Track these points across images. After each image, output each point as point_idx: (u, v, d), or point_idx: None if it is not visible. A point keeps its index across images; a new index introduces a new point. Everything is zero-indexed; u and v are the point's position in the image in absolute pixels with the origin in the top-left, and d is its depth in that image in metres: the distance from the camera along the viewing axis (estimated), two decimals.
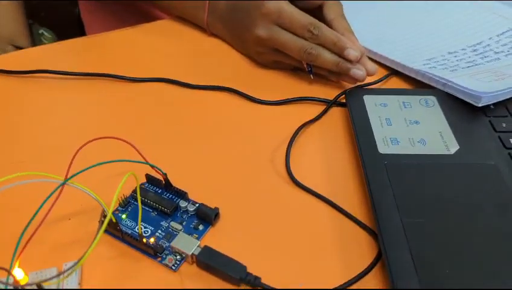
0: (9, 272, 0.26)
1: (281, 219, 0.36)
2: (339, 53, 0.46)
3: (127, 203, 0.36)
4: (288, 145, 0.41)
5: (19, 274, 0.28)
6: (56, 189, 0.30)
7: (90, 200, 0.31)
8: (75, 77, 0.50)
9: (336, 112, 0.46)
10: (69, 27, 0.84)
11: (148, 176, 0.37)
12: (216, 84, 0.48)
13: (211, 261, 0.31)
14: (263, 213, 0.36)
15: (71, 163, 0.32)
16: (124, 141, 0.33)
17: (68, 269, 0.27)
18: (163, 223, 0.35)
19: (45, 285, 0.29)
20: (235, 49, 0.54)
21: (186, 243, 0.32)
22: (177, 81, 0.49)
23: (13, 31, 0.74)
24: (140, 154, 0.34)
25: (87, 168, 0.31)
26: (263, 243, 0.34)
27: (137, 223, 0.35)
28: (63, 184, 0.30)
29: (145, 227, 0.34)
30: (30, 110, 0.46)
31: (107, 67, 0.50)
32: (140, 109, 0.46)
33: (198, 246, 0.32)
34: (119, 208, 0.36)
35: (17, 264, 0.28)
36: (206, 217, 0.35)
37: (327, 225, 0.35)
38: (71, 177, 0.30)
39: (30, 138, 0.43)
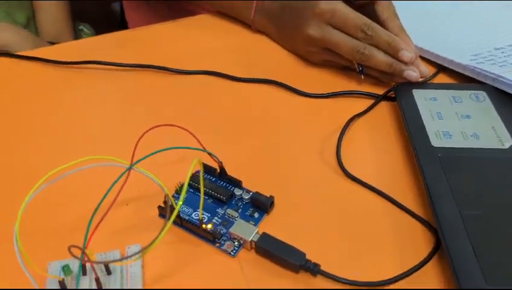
0: (83, 251, 0.27)
1: (334, 209, 0.36)
2: (393, 54, 0.45)
3: (174, 201, 0.37)
4: (339, 137, 0.41)
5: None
6: (123, 173, 0.30)
7: (147, 186, 0.32)
8: (122, 68, 0.51)
9: (384, 107, 0.46)
10: (108, 23, 0.86)
11: (204, 165, 0.38)
12: (262, 77, 0.49)
13: (270, 248, 0.32)
14: (316, 203, 0.36)
15: (135, 148, 0.32)
16: (184, 128, 0.34)
17: (138, 252, 0.28)
18: (219, 210, 0.35)
19: (112, 265, 0.30)
20: (280, 46, 0.55)
21: (245, 230, 0.33)
22: (223, 74, 0.50)
23: (59, 30, 0.76)
24: (198, 141, 0.34)
25: (154, 153, 0.31)
26: (318, 232, 0.34)
27: (193, 209, 0.35)
28: (129, 168, 0.31)
29: (203, 214, 0.35)
30: (80, 100, 0.47)
31: (152, 59, 0.51)
32: (187, 100, 0.47)
33: (256, 233, 0.33)
34: (175, 194, 0.36)
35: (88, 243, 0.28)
36: (262, 205, 0.35)
37: (381, 217, 0.35)
38: (137, 162, 0.31)
39: (85, 127, 0.44)
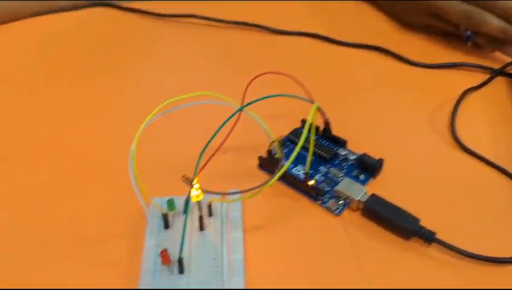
0: (191, 184, 0.26)
1: (447, 180, 0.33)
2: (508, 19, 0.42)
3: (283, 144, 0.35)
4: (454, 108, 0.38)
5: (195, 192, 0.28)
6: (235, 113, 0.29)
7: (247, 136, 0.32)
8: (219, 24, 0.50)
9: (501, 82, 0.42)
10: None
11: (304, 121, 0.36)
12: (365, 43, 0.46)
13: (380, 210, 0.29)
14: (428, 172, 0.34)
15: (245, 91, 0.31)
16: (292, 77, 0.32)
17: (239, 192, 0.27)
18: (322, 168, 0.34)
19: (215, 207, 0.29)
20: (380, 9, 0.52)
21: (353, 188, 0.31)
22: (323, 36, 0.47)
23: None
24: (306, 92, 0.32)
25: (264, 98, 0.30)
26: (430, 202, 0.32)
27: (293, 164, 0.34)
28: (241, 109, 0.30)
29: (303, 170, 0.33)
30: (175, 51, 0.47)
31: (249, 16, 0.50)
32: (284, 61, 0.45)
33: (365, 193, 0.30)
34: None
35: (195, 180, 0.27)
36: (369, 167, 0.33)
37: (498, 191, 0.32)
38: (248, 104, 0.30)
39: (185, 76, 0.43)
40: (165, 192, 0.30)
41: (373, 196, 0.30)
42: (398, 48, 0.45)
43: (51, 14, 0.51)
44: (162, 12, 0.51)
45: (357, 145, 0.35)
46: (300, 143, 0.26)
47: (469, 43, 0.44)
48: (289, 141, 0.36)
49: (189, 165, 0.27)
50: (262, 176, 0.33)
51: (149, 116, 0.26)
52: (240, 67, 0.44)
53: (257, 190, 0.28)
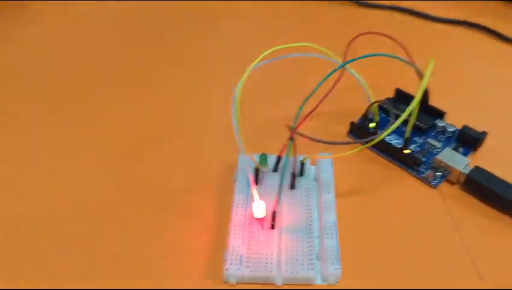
0: (292, 137, 0.25)
1: None
2: None
3: (377, 113, 0.33)
4: None
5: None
6: (336, 69, 0.28)
7: (338, 102, 0.30)
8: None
9: None
10: None
11: (398, 91, 0.34)
12: (462, 19, 0.43)
13: (485, 182, 0.27)
14: None
15: (347, 49, 0.30)
16: (393, 38, 0.30)
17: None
18: (417, 139, 0.32)
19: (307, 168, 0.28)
20: None
21: (455, 159, 0.29)
22: (415, 11, 0.45)
23: None
24: (408, 54, 0.30)
25: (366, 56, 0.28)
26: None
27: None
28: (343, 65, 0.28)
29: (396, 139, 0.32)
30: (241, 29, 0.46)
31: None
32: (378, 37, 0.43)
33: (468, 165, 0.28)
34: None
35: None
36: (471, 140, 0.31)
37: None
38: (351, 60, 0.28)
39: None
40: (253, 151, 0.29)
41: (477, 168, 0.28)
42: (489, 22, 0.43)
43: None
44: None
45: (455, 119, 0.33)
46: (407, 112, 0.25)
47: None
48: (381, 110, 0.34)
49: (282, 125, 0.26)
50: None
51: (254, 63, 0.25)
52: (328, 39, 0.43)
53: (352, 149, 0.26)
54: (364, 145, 0.28)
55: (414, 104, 0.25)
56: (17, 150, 0.32)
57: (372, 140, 0.25)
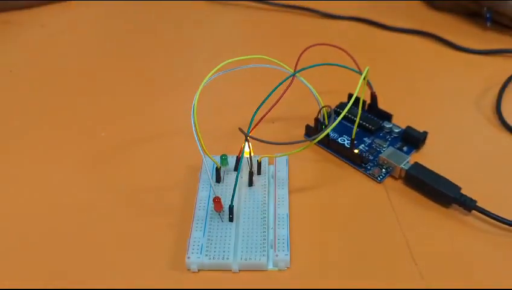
0: (246, 135, 0.28)
1: (488, 156, 0.34)
2: None
3: (329, 116, 0.37)
4: (501, 90, 0.38)
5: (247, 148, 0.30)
6: (287, 78, 0.31)
7: (295, 107, 0.34)
8: (271, 7, 0.52)
9: None
10: None
11: (350, 95, 0.38)
12: (415, 28, 0.47)
13: (422, 176, 0.31)
14: (469, 147, 0.35)
15: (298, 59, 0.33)
16: (342, 48, 0.33)
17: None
18: (366, 139, 0.35)
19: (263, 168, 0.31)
20: None
21: (396, 157, 0.32)
22: (373, 21, 0.49)
23: None
24: (356, 63, 0.33)
25: (315, 65, 0.32)
26: (471, 176, 0.32)
27: (339, 134, 0.35)
28: (294, 74, 0.31)
29: (347, 140, 0.35)
30: (223, 34, 0.49)
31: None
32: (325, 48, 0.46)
33: (408, 162, 0.32)
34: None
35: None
36: (414, 139, 0.34)
37: None
38: (301, 70, 0.31)
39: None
40: (216, 152, 0.32)
41: (416, 164, 0.31)
42: (439, 32, 0.46)
43: None
44: None
45: (402, 120, 0.36)
46: (347, 108, 0.28)
47: (488, 23, 0.45)
48: (335, 114, 0.37)
49: (242, 127, 0.29)
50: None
51: (209, 75, 0.28)
52: (289, 49, 0.46)
53: (301, 146, 0.29)
54: (311, 143, 0.31)
55: (350, 104, 0.28)
56: None
57: (316, 138, 0.28)
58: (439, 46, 0.46)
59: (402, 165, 0.31)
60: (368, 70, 0.30)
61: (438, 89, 0.40)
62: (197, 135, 0.27)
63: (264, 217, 0.29)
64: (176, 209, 0.30)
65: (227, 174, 0.32)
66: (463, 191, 0.30)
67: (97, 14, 0.52)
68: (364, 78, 0.30)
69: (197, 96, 0.27)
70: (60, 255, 0.28)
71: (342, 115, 0.28)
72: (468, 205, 0.29)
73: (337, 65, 0.32)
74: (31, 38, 0.48)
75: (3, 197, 0.32)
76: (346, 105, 0.37)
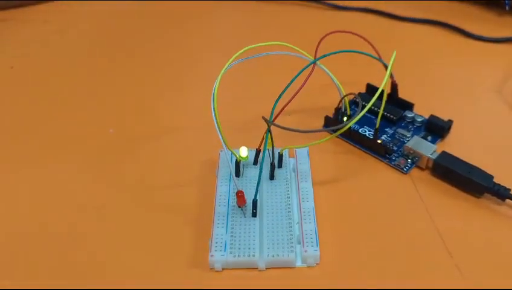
0: (269, 130, 0.27)
1: None
2: None
3: (355, 104, 0.35)
4: None
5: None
6: (308, 66, 0.30)
7: (312, 98, 0.33)
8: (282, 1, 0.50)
9: None
10: None
11: (368, 85, 0.36)
12: (430, 18, 0.46)
13: (452, 166, 0.29)
14: (495, 134, 0.34)
15: (317, 47, 0.31)
16: (362, 37, 0.32)
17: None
18: (388, 130, 0.34)
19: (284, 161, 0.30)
20: None
21: (423, 146, 0.31)
22: (383, 12, 0.47)
23: None
24: (376, 52, 0.32)
25: (337, 52, 0.30)
26: (500, 162, 0.31)
27: (360, 126, 0.34)
28: (313, 62, 0.30)
29: (369, 130, 0.33)
30: (238, 27, 0.48)
31: None
32: (348, 37, 0.45)
33: (435, 151, 0.30)
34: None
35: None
36: (438, 128, 0.33)
37: None
38: (322, 57, 0.30)
39: None
40: (234, 145, 0.30)
41: (444, 153, 0.30)
42: (454, 21, 0.45)
43: None
44: None
45: (423, 109, 0.35)
46: (373, 100, 0.27)
47: (507, 7, 0.44)
48: (354, 104, 0.36)
49: (259, 120, 0.28)
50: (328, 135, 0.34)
51: (228, 62, 0.27)
52: (301, 41, 0.45)
53: (325, 137, 0.28)
54: (334, 134, 0.30)
55: (378, 94, 0.26)
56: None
57: (341, 128, 0.27)
58: (454, 35, 0.44)
59: (429, 155, 0.30)
60: (395, 56, 0.29)
61: (457, 78, 0.39)
62: (218, 126, 0.26)
63: (289, 212, 0.27)
64: (192, 206, 0.29)
65: (246, 167, 0.30)
66: (494, 180, 0.28)
67: (101, 11, 0.50)
68: (390, 65, 0.28)
69: (217, 84, 0.26)
70: (75, 255, 0.26)
71: (368, 107, 0.27)
72: (501, 194, 0.28)
73: (359, 52, 0.31)
74: (32, 34, 0.46)
75: (11, 197, 0.30)
76: (365, 95, 0.36)
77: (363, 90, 0.37)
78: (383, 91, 0.28)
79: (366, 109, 0.26)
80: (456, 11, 0.48)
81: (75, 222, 0.28)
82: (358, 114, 0.26)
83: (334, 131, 0.28)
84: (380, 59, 0.31)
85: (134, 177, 0.31)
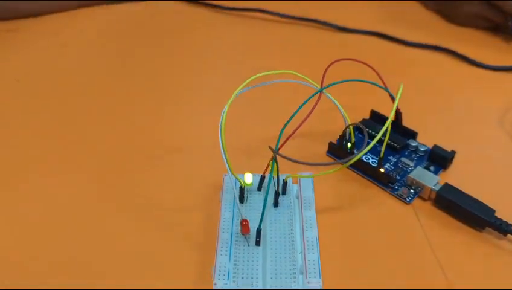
0: (274, 158, 0.27)
1: None
2: None
3: (359, 132, 0.36)
4: None
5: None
6: (314, 94, 0.30)
7: (317, 124, 0.33)
8: (285, 19, 0.51)
9: None
10: None
11: (373, 112, 0.37)
12: (435, 44, 0.46)
13: (454, 199, 0.29)
14: (499, 165, 0.34)
15: (324, 75, 0.32)
16: (368, 65, 0.32)
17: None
18: (392, 158, 0.34)
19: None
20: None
21: (426, 177, 0.31)
22: (389, 36, 0.48)
23: None
24: (382, 80, 0.32)
25: (343, 81, 0.30)
26: (502, 194, 0.31)
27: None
28: (321, 90, 0.30)
29: (372, 158, 0.34)
30: (245, 45, 0.48)
31: (317, 13, 0.50)
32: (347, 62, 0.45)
33: (438, 182, 0.31)
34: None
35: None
36: (441, 158, 0.33)
37: None
38: (328, 86, 0.30)
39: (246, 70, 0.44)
40: (238, 169, 0.31)
41: (446, 185, 0.30)
42: (459, 47, 0.46)
43: (120, 3, 0.53)
44: (229, 5, 0.52)
45: (426, 137, 0.35)
46: (382, 131, 0.27)
47: None
48: (357, 131, 0.36)
49: (264, 146, 0.28)
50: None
51: (238, 89, 0.27)
52: (307, 63, 0.45)
53: (332, 168, 0.28)
54: (343, 165, 0.30)
55: (388, 124, 0.27)
56: (5, 166, 0.33)
57: (350, 160, 0.27)
58: (459, 62, 0.45)
59: (432, 186, 0.30)
60: (402, 89, 0.29)
61: (461, 107, 0.40)
62: (224, 153, 0.26)
63: (292, 241, 0.27)
64: (196, 229, 0.29)
65: (250, 193, 0.30)
66: (497, 214, 0.29)
67: (109, 24, 0.50)
68: (397, 99, 0.29)
69: (224, 114, 0.26)
70: (77, 275, 0.26)
71: (376, 138, 0.27)
72: (503, 229, 0.28)
73: (366, 82, 0.31)
74: (39, 47, 0.46)
75: (15, 211, 0.30)
76: (369, 122, 0.36)
77: (365, 114, 0.37)
78: (389, 121, 0.29)
79: (374, 141, 0.27)
80: (463, 35, 0.48)
81: (73, 241, 0.28)
82: (366, 147, 0.27)
83: (344, 163, 0.28)
84: (386, 89, 0.31)
85: (137, 198, 0.31)
